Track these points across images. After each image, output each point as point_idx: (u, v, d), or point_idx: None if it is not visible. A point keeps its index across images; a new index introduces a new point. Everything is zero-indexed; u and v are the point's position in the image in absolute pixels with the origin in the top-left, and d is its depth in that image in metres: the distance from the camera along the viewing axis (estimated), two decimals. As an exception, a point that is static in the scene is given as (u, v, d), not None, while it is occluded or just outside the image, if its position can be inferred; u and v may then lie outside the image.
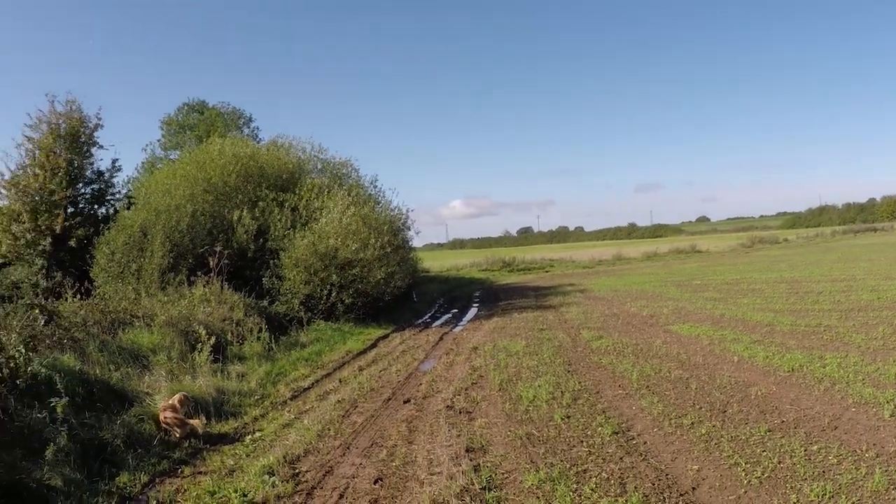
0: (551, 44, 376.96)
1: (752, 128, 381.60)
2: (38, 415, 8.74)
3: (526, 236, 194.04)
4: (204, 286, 19.45)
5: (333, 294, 22.89)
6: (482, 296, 37.29)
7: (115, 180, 25.88)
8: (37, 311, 13.15)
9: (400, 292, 28.84)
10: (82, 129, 23.98)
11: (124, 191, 27.39)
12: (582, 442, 8.80)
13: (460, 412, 10.92)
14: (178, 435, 9.98)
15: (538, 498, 6.99)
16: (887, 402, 9.32)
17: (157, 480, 8.48)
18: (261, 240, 24.60)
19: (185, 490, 8.08)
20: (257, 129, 47.43)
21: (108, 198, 25.68)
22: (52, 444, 8.16)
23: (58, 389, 9.39)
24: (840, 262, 38.23)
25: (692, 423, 9.19)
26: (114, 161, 25.88)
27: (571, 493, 6.99)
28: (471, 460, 8.35)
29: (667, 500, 6.75)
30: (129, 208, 24.75)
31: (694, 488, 7.02)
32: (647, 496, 6.83)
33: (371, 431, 10.27)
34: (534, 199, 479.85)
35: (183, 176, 26.35)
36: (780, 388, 10.75)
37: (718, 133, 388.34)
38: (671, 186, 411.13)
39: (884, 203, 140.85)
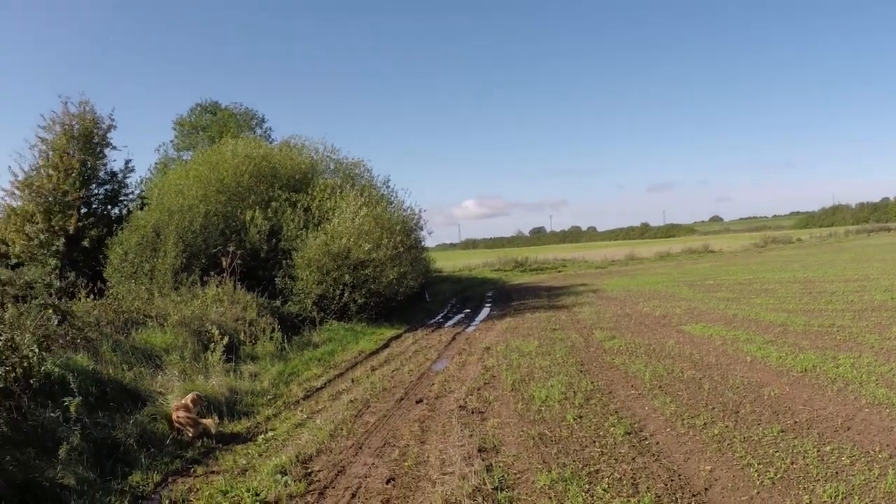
0: (558, 44, 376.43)
1: (766, 127, 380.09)
2: (52, 414, 8.78)
3: (538, 236, 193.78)
4: (217, 286, 19.51)
5: (346, 294, 22.90)
6: (495, 296, 37.26)
7: (128, 181, 26.06)
8: (50, 310, 13.20)
9: (412, 292, 28.84)
10: (95, 131, 24.13)
11: (137, 191, 27.55)
12: (594, 442, 8.79)
13: (473, 412, 10.91)
14: (190, 434, 10.01)
15: (550, 498, 6.98)
16: (902, 402, 9.28)
17: (169, 480, 8.50)
18: (273, 240, 24.65)
19: (198, 489, 8.10)
20: (270, 129, 47.56)
21: (122, 198, 25.85)
22: (65, 443, 8.20)
23: (71, 389, 9.43)
24: (853, 262, 38.05)
25: (705, 424, 9.16)
26: (127, 162, 26.09)
27: (584, 494, 6.98)
28: (483, 460, 8.34)
29: (679, 501, 6.73)
30: (142, 209, 24.84)
31: (706, 489, 7.00)
32: (659, 497, 6.81)
33: (383, 431, 10.27)
34: (546, 199, 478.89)
35: (196, 176, 26.42)
36: (793, 388, 10.71)
37: (732, 132, 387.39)
38: (684, 186, 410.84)
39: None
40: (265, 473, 8.28)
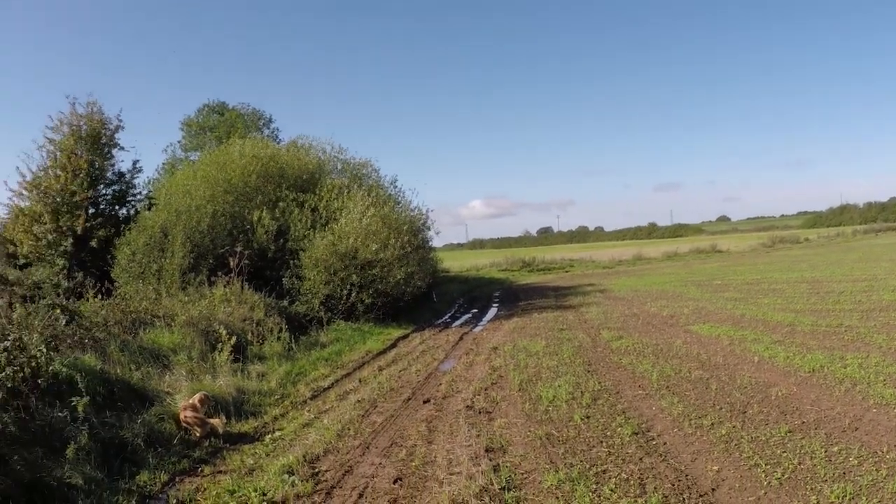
0: (565, 43, 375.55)
1: (774, 127, 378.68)
2: (60, 414, 8.82)
3: (546, 236, 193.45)
4: (224, 286, 19.54)
5: (353, 294, 22.91)
6: (502, 296, 37.22)
7: (136, 181, 26.12)
8: (58, 311, 13.25)
9: (420, 292, 28.85)
10: (103, 131, 24.21)
11: (145, 192, 27.60)
12: (602, 442, 8.79)
13: (480, 412, 10.91)
14: (198, 434, 10.03)
15: (557, 498, 6.99)
16: (910, 402, 9.26)
17: (177, 479, 8.53)
18: (281, 240, 24.69)
19: (205, 489, 8.12)
20: (277, 129, 47.66)
21: (129, 199, 25.91)
22: (72, 442, 8.23)
23: (79, 389, 9.48)
24: (861, 262, 37.90)
25: (712, 424, 9.15)
26: (135, 162, 26.15)
27: (591, 494, 6.98)
28: (490, 460, 8.35)
29: (686, 501, 6.73)
30: (149, 209, 24.87)
31: (714, 489, 7.00)
32: (666, 497, 6.81)
33: (391, 431, 10.28)
34: (554, 199, 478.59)
35: (203, 177, 26.50)
36: (801, 388, 10.68)
37: (740, 132, 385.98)
38: (692, 186, 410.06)
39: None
40: (272, 473, 8.30)
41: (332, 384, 14.32)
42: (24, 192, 23.71)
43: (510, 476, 7.74)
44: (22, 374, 8.65)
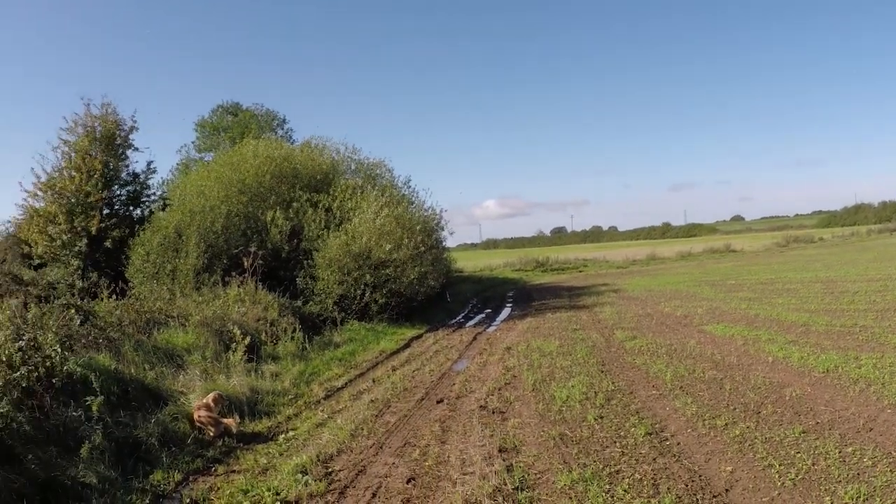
0: (578, 42, 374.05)
1: (788, 126, 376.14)
2: (74, 413, 8.87)
3: (559, 236, 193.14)
4: (238, 286, 19.61)
5: (367, 294, 22.93)
6: (515, 296, 37.19)
7: (150, 182, 26.28)
8: (73, 311, 13.33)
9: (433, 292, 28.87)
10: (118, 132, 24.39)
11: (159, 192, 27.77)
12: (615, 442, 8.77)
13: (493, 412, 10.90)
14: (211, 434, 10.06)
15: (571, 498, 6.97)
16: (926, 403, 9.20)
17: (190, 479, 8.56)
18: (295, 240, 24.74)
19: (219, 488, 8.15)
20: (291, 130, 47.82)
21: (144, 199, 26.11)
22: (87, 441, 8.27)
23: (93, 388, 9.52)
24: (876, 262, 37.67)
25: (726, 424, 9.12)
26: (149, 163, 26.38)
27: (604, 494, 6.96)
28: (504, 460, 8.34)
29: (700, 502, 6.71)
30: (163, 209, 25.04)
31: (727, 490, 6.97)
32: (680, 497, 6.79)
33: (404, 431, 10.29)
34: (567, 198, 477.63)
35: (217, 177, 26.56)
36: (815, 389, 10.63)
37: (754, 131, 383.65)
38: (706, 185, 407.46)
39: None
40: (286, 473, 8.32)
41: (346, 384, 14.34)
42: (39, 192, 23.91)
43: (523, 476, 7.73)
44: (37, 373, 8.69)
